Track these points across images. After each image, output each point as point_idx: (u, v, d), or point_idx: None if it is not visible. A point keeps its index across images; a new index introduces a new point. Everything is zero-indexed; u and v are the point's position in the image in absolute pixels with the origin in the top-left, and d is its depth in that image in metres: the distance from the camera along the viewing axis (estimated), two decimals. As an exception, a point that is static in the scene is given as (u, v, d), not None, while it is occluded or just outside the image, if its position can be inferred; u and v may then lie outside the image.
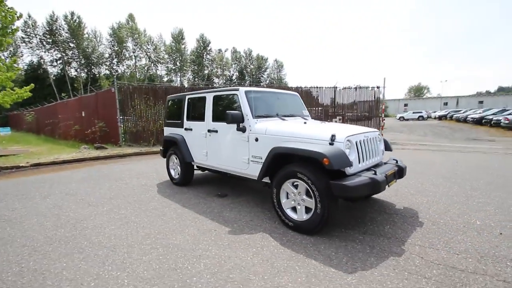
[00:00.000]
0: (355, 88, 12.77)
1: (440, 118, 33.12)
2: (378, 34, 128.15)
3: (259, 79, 56.90)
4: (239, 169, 3.73)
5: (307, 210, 2.84)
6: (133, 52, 43.58)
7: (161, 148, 5.48)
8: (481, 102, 45.88)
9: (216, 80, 51.94)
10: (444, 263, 2.24)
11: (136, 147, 10.55)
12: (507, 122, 15.92)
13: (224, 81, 51.17)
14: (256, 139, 3.42)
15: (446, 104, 49.85)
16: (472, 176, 5.14)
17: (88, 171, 6.63)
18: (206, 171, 5.21)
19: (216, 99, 4.09)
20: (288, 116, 3.95)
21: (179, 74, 50.28)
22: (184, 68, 49.58)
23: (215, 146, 4.07)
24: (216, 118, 4.07)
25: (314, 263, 2.28)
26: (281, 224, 3.08)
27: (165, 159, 5.30)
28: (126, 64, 44.53)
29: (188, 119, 4.64)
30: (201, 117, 4.34)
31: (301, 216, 2.87)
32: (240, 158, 3.66)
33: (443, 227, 2.93)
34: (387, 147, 3.63)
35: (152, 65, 46.62)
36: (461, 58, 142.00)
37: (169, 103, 5.31)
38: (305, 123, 3.64)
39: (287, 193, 3.02)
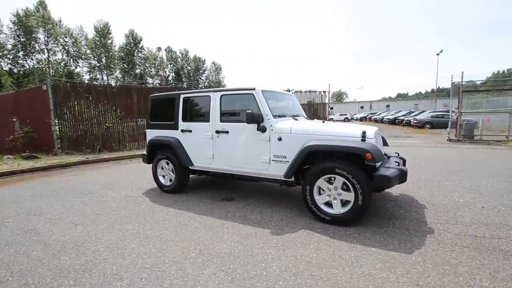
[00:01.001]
0: (306, 92, 13.83)
1: (361, 119, 38.47)
2: (313, 42, 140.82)
3: (197, 81, 55.50)
4: (257, 170, 3.65)
5: (343, 203, 3.02)
6: (46, 45, 36.84)
7: (144, 153, 4.89)
8: (388, 105, 55.18)
9: (150, 80, 48.34)
10: (467, 234, 2.71)
11: (78, 155, 9.02)
12: (415, 121, 19.68)
13: (160, 81, 48.02)
14: (279, 139, 3.43)
15: (362, 107, 58.15)
16: (425, 165, 6.24)
17: (33, 185, 5.38)
18: (203, 175, 4.91)
19: (225, 99, 3.92)
20: (295, 116, 4.06)
21: (105, 72, 44.91)
22: (111, 65, 44.53)
23: (225, 147, 3.88)
24: (226, 118, 3.89)
25: (375, 250, 2.46)
26: (314, 220, 3.17)
27: (150, 165, 4.78)
28: (36, 59, 37.29)
29: (185, 120, 4.28)
30: (203, 118, 4.08)
31: (338, 209, 3.02)
32: (259, 158, 3.59)
33: (441, 206, 3.52)
34: (384, 143, 4.12)
35: (72, 60, 40.31)
36: (371, 70, 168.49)
37: (154, 103, 4.79)
38: (323, 122, 3.82)
39: (320, 189, 3.14)
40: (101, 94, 10.03)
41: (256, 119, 3.43)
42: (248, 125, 3.65)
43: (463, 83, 12.52)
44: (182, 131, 4.28)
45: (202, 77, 58.78)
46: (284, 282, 2.03)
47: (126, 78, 45.38)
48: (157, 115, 4.74)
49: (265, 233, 2.90)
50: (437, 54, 33.33)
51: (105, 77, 44.82)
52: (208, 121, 4.01)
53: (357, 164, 2.94)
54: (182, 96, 4.32)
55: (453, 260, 2.25)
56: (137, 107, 10.82)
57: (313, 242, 2.64)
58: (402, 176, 2.97)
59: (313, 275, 2.10)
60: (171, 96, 4.53)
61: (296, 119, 3.85)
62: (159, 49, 41.35)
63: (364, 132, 3.02)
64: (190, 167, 4.32)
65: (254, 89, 3.64)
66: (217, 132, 3.91)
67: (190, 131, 4.20)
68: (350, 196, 2.93)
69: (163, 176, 4.62)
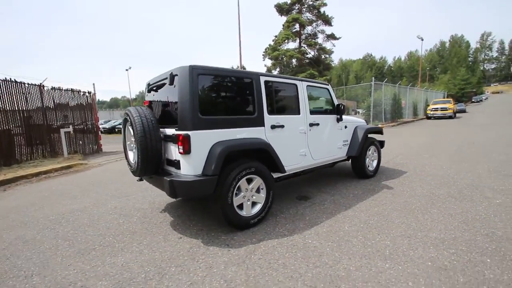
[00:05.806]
0: (67, 90, 9.93)
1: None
2: None
3: None
4: (335, 156, 4.12)
5: (373, 161, 4.87)
6: None
7: (187, 178, 2.47)
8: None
9: None
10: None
11: None
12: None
13: None
14: (346, 127, 4.31)
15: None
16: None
17: None
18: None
19: (309, 89, 3.67)
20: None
21: None
22: None
23: (317, 141, 3.71)
24: (312, 110, 3.71)
25: (423, 189, 4.79)
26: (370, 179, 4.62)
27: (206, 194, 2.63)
28: None
29: (272, 112, 3.11)
30: (293, 110, 3.44)
31: (372, 167, 4.80)
32: (336, 145, 4.13)
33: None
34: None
35: None
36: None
37: (205, 83, 2.59)
38: None
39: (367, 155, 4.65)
40: None
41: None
42: (330, 116, 4.00)
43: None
44: (273, 127, 3.09)
45: None
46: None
47: None
48: (215, 105, 2.68)
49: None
50: (126, 70, 36.92)
51: None
52: (299, 113, 3.47)
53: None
54: (263, 79, 3.06)
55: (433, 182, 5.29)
56: None
57: (391, 190, 4.30)
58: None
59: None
60: (241, 74, 2.90)
61: None
62: None
63: (365, 120, 5.09)
64: (279, 175, 3.28)
65: (328, 84, 4.02)
66: (311, 125, 3.59)
67: (282, 126, 3.22)
68: (376, 156, 4.88)
69: (239, 206, 2.81)
